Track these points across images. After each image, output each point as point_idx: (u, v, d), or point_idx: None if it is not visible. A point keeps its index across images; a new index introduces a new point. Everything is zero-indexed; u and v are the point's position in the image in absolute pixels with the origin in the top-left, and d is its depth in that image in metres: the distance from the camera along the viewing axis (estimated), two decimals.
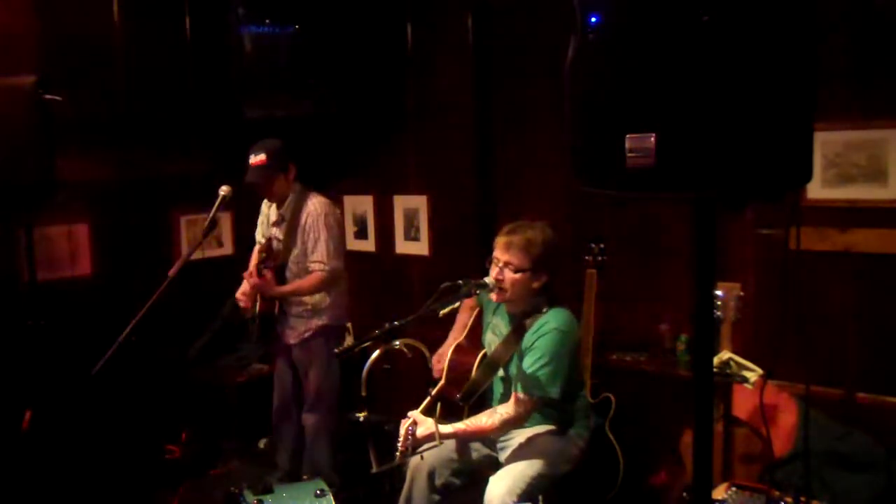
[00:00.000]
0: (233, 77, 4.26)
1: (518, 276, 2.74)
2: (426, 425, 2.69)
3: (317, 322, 3.68)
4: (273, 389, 3.90)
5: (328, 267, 3.56)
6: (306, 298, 3.64)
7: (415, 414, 2.73)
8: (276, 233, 3.68)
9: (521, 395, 2.74)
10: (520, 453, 2.82)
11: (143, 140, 4.15)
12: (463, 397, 2.91)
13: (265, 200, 3.79)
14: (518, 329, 2.80)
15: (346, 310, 3.83)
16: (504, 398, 2.88)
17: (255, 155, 3.51)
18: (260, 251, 3.66)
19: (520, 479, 2.69)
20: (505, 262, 2.75)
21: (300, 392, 3.79)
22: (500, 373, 2.89)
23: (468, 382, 2.92)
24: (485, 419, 2.77)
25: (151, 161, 4.21)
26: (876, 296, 2.98)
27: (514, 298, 2.81)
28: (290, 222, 3.60)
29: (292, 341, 3.70)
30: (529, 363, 2.72)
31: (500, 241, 2.79)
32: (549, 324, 2.75)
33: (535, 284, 2.79)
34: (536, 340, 2.74)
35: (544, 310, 2.79)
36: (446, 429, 2.72)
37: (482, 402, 2.99)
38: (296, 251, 3.59)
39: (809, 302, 3.04)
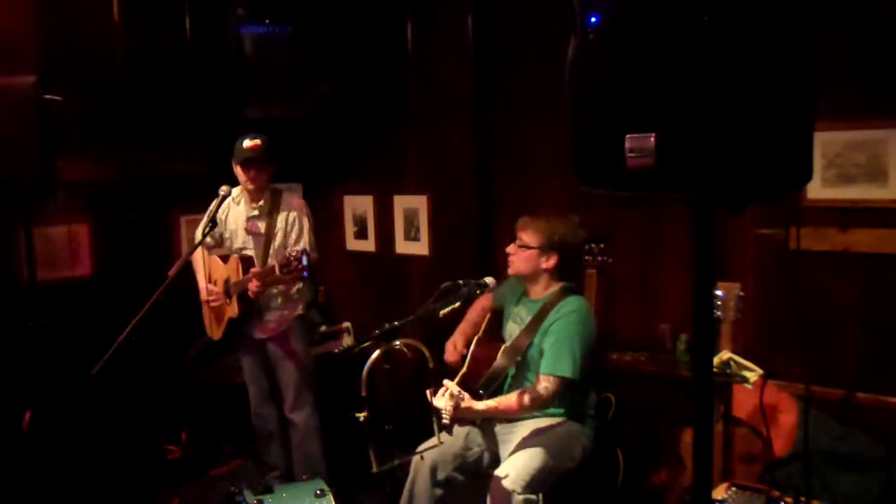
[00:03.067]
0: (233, 77, 4.26)
1: (526, 252, 2.95)
2: (467, 400, 2.79)
3: (292, 313, 3.71)
4: (247, 392, 3.87)
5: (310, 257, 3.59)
6: (283, 289, 3.66)
7: (451, 385, 2.80)
8: (255, 226, 3.66)
9: (543, 374, 2.84)
10: (524, 445, 2.85)
11: (143, 140, 4.15)
12: (482, 385, 2.96)
13: (225, 199, 3.60)
14: (539, 316, 2.93)
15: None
16: (516, 382, 2.97)
17: (251, 140, 3.52)
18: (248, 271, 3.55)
19: (524, 470, 2.72)
20: (519, 239, 2.98)
21: (276, 388, 3.78)
22: (520, 358, 2.96)
23: (489, 370, 2.99)
24: (512, 398, 2.87)
25: (151, 161, 4.21)
26: (876, 296, 2.98)
27: (524, 272, 2.99)
28: (271, 215, 3.62)
29: (266, 335, 3.70)
30: (550, 344, 2.85)
31: (522, 219, 3.02)
32: (567, 306, 2.90)
33: (545, 265, 2.96)
34: (555, 322, 2.88)
35: (563, 297, 2.94)
36: (479, 405, 2.84)
37: (499, 392, 3.02)
38: (276, 243, 3.60)
39: (809, 302, 3.04)
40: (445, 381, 2.85)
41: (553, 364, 2.82)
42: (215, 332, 3.77)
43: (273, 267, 3.32)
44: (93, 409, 3.71)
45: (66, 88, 3.23)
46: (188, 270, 3.69)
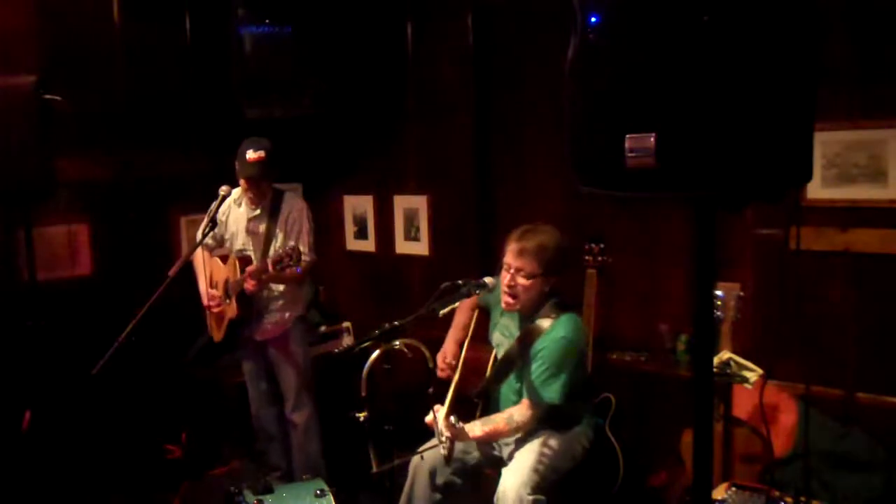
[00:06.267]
0: (233, 77, 4.26)
1: (530, 281, 2.76)
2: (462, 426, 2.70)
3: (293, 313, 3.72)
4: (248, 394, 3.88)
5: (308, 258, 3.60)
6: (284, 291, 3.66)
7: (443, 411, 2.72)
8: (255, 227, 3.67)
9: (528, 401, 2.78)
10: (526, 445, 2.85)
11: (143, 140, 4.15)
12: (477, 395, 2.95)
13: (225, 199, 3.59)
14: (528, 334, 2.83)
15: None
16: (514, 401, 2.91)
17: (255, 151, 3.47)
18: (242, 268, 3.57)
19: (532, 472, 2.71)
20: (517, 268, 2.76)
21: (276, 390, 3.79)
22: (512, 376, 2.91)
23: (483, 381, 2.96)
24: (502, 423, 2.79)
25: (151, 161, 4.21)
26: (876, 296, 2.98)
27: (531, 300, 2.82)
28: (272, 216, 3.62)
29: (266, 338, 3.71)
30: (536, 371, 2.75)
31: (513, 246, 2.78)
32: (556, 331, 2.77)
33: (547, 288, 2.82)
34: (543, 349, 2.76)
35: (553, 316, 2.81)
36: (473, 432, 2.75)
37: (495, 403, 3.01)
38: (276, 243, 3.60)
39: (809, 302, 3.04)
40: (437, 407, 2.77)
41: (539, 392, 2.75)
42: (216, 333, 3.78)
43: (266, 264, 3.33)
44: (93, 409, 3.71)
45: (66, 88, 3.22)
46: (188, 270, 3.69)
